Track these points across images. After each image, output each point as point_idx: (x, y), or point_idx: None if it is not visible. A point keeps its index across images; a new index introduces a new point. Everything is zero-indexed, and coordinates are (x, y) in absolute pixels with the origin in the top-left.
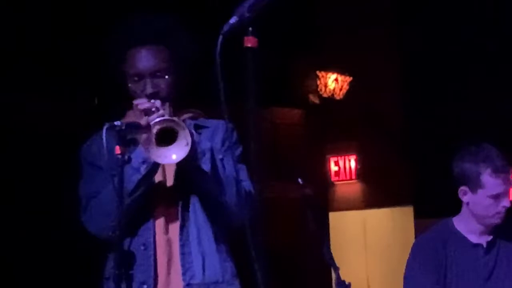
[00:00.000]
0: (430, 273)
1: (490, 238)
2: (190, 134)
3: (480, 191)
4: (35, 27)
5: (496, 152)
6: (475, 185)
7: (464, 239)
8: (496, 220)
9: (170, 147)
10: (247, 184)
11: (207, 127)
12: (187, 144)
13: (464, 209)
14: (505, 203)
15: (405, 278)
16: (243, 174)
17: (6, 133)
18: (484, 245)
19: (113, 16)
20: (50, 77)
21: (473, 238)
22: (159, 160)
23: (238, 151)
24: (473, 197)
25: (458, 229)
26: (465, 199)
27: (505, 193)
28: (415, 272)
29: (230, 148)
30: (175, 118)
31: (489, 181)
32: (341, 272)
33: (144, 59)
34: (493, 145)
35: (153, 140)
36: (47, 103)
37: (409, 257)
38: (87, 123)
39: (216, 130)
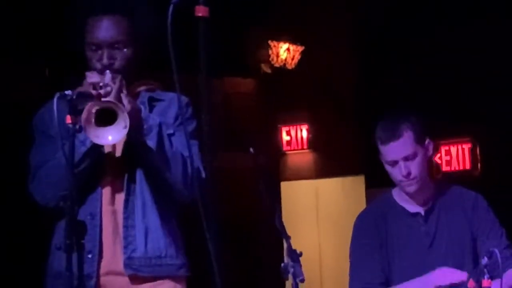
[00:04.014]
0: (372, 248)
1: (428, 206)
2: (137, 111)
3: (382, 158)
4: None
5: (390, 120)
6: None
7: (403, 209)
8: (406, 188)
9: (107, 128)
10: (196, 162)
11: (162, 100)
12: (125, 127)
13: None
14: (402, 170)
15: (350, 253)
16: (194, 151)
17: None
18: (422, 214)
19: None
20: (4, 45)
21: (411, 208)
22: (96, 140)
23: (191, 126)
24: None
25: (397, 200)
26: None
27: (402, 160)
28: (358, 248)
29: (183, 123)
30: (114, 101)
31: (380, 148)
32: (293, 241)
33: (104, 29)
34: (412, 114)
35: (92, 119)
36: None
37: (352, 233)
38: (42, 91)
39: (171, 104)
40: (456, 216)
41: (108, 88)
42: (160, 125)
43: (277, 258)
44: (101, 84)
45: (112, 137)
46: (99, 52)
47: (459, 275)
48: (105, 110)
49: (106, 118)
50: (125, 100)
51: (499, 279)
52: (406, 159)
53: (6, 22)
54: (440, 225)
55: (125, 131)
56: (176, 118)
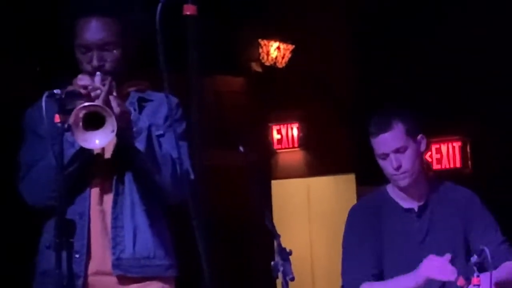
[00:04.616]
0: (365, 240)
1: (421, 202)
2: (126, 113)
3: (374, 152)
4: None
5: (382, 113)
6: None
7: (396, 204)
8: (398, 182)
9: (95, 132)
10: (185, 163)
11: (152, 100)
12: (113, 131)
13: None
14: (393, 163)
15: (343, 246)
16: (183, 152)
17: None
18: (416, 209)
19: None
20: None
21: (404, 203)
22: (83, 144)
23: (181, 128)
24: None
25: (391, 195)
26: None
27: (393, 153)
28: (351, 240)
29: (173, 124)
30: (102, 106)
31: (372, 142)
32: (285, 240)
33: (93, 30)
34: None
35: (80, 123)
36: None
37: (345, 225)
38: (33, 89)
39: (161, 105)
40: (449, 213)
41: (98, 91)
42: (149, 128)
43: (268, 256)
44: (90, 87)
45: (99, 141)
46: (89, 54)
47: (448, 274)
48: (93, 114)
49: (94, 122)
50: (114, 103)
51: (489, 272)
52: (397, 151)
53: None
54: (433, 221)
55: (113, 135)
56: (166, 119)
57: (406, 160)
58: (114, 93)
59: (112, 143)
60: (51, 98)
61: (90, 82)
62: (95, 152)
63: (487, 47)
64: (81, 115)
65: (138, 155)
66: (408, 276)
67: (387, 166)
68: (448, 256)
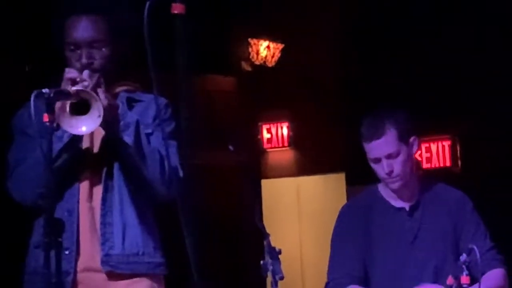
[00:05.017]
0: (354, 238)
1: (413, 202)
2: (114, 107)
3: (367, 155)
4: None
5: (374, 118)
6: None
7: (388, 204)
8: (390, 185)
9: (82, 117)
10: (174, 161)
11: (141, 101)
12: (99, 116)
13: None
14: (385, 168)
15: (331, 243)
16: (172, 151)
17: None
18: (407, 209)
19: None
20: None
21: (396, 203)
22: (70, 130)
23: (170, 127)
24: None
25: (382, 195)
26: None
27: (385, 158)
28: (340, 238)
29: (161, 124)
30: (89, 91)
31: (364, 146)
32: (274, 238)
33: (83, 28)
34: (396, 112)
35: (66, 108)
36: None
37: (335, 224)
38: (21, 90)
39: (150, 105)
40: (440, 213)
41: (86, 83)
42: (137, 122)
43: (258, 255)
44: (78, 79)
45: (86, 126)
46: (78, 51)
47: None
48: (79, 100)
49: (80, 108)
50: (102, 95)
51: (478, 284)
52: (389, 157)
53: None
54: (424, 221)
55: (99, 120)
56: (154, 119)
57: (398, 165)
58: (102, 87)
59: (100, 136)
60: (40, 98)
61: (78, 75)
62: (84, 146)
63: (478, 47)
64: (67, 101)
65: (126, 148)
66: None
67: (379, 170)
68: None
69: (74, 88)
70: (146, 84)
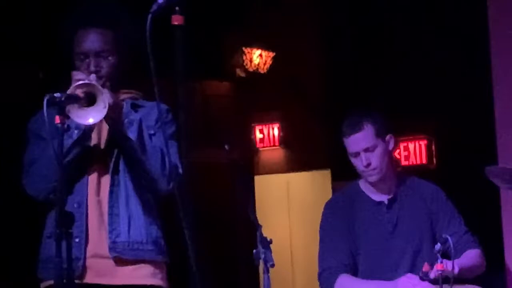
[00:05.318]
0: (339, 232)
1: (391, 196)
2: (119, 105)
3: (347, 151)
4: None
5: (354, 115)
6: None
7: (368, 198)
8: (368, 178)
9: (89, 109)
10: (174, 159)
11: (144, 106)
12: (105, 107)
13: None
14: (363, 161)
15: (320, 236)
16: (173, 150)
17: None
18: (386, 202)
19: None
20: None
21: (375, 197)
22: (78, 120)
23: (171, 130)
24: None
25: (363, 189)
26: None
27: (363, 152)
28: (327, 231)
29: (162, 126)
30: (95, 83)
31: (344, 141)
32: (266, 230)
33: (91, 40)
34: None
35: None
36: None
37: (321, 218)
38: (35, 95)
39: (152, 110)
40: (416, 205)
41: (91, 77)
42: (140, 121)
43: (251, 244)
44: (86, 81)
45: (93, 117)
46: (87, 61)
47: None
48: (87, 93)
49: (87, 101)
50: (107, 94)
51: (453, 260)
52: (367, 150)
53: (1, 27)
54: (401, 213)
55: (105, 111)
56: (156, 122)
57: (375, 158)
58: (108, 88)
59: (106, 133)
60: (52, 101)
61: (85, 76)
62: (92, 144)
63: (448, 51)
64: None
65: (130, 144)
66: (386, 284)
67: (358, 163)
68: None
69: (80, 82)
70: (148, 92)
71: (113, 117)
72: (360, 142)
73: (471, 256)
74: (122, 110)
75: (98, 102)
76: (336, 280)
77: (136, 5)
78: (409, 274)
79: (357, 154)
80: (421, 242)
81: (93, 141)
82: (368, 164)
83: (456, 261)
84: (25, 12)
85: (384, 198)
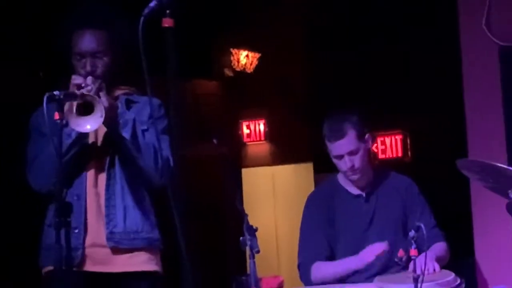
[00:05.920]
0: (318, 225)
1: (368, 189)
2: (114, 107)
3: (330, 152)
4: None
5: (336, 120)
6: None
7: (347, 192)
8: (351, 177)
9: (86, 117)
10: (166, 153)
11: (137, 102)
12: (101, 116)
13: None
14: (347, 163)
15: (300, 228)
16: (165, 144)
17: None
18: (364, 195)
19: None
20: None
21: (354, 190)
22: (77, 128)
23: (163, 124)
24: None
25: (341, 183)
26: None
27: (347, 155)
28: (307, 224)
29: (155, 122)
30: (92, 94)
31: (328, 145)
32: (253, 220)
33: (87, 41)
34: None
35: (73, 110)
36: None
37: (303, 212)
38: (36, 95)
39: (145, 105)
40: (392, 198)
41: (89, 87)
42: (134, 120)
43: (238, 232)
44: (83, 84)
45: (90, 125)
46: (83, 60)
47: (379, 246)
48: (85, 103)
49: (85, 110)
50: (103, 98)
51: (424, 253)
52: (350, 153)
53: (2, 26)
54: (378, 206)
55: (101, 119)
56: (149, 117)
57: (358, 159)
58: (104, 91)
59: (103, 132)
60: (52, 99)
61: (83, 81)
62: (90, 141)
63: (422, 47)
64: (74, 103)
65: (125, 142)
66: (352, 258)
67: (342, 165)
68: (386, 243)
69: (79, 91)
70: (141, 88)
71: (109, 118)
72: (344, 147)
73: (439, 249)
74: (118, 111)
75: (96, 112)
76: (312, 267)
77: (129, 7)
78: (371, 245)
79: (341, 157)
80: (396, 233)
81: (91, 139)
82: (352, 166)
83: (428, 253)
84: (25, 12)
85: (362, 191)
